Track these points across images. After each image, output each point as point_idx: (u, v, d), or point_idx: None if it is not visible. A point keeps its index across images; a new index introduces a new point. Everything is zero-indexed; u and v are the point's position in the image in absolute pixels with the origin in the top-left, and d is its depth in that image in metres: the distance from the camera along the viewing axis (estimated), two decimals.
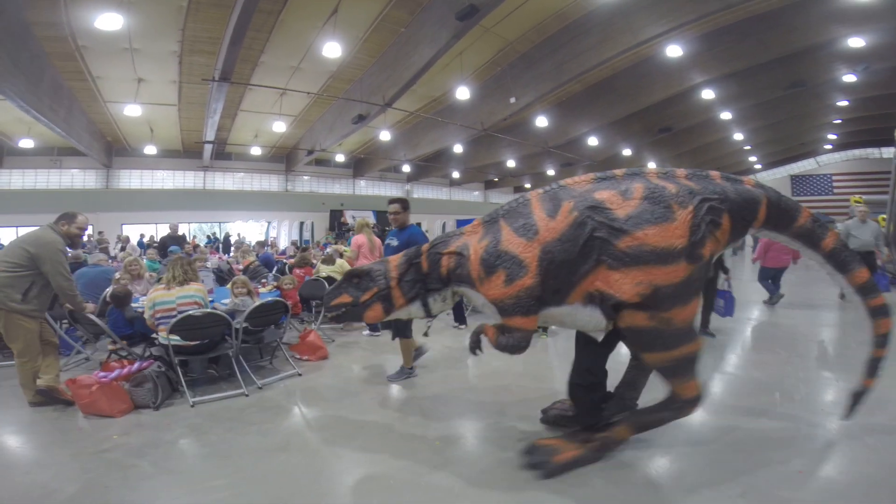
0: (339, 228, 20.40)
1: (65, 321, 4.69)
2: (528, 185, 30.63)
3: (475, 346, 2.85)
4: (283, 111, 13.50)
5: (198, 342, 3.70)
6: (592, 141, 17.41)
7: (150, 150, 16.58)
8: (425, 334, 3.68)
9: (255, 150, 17.52)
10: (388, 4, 8.20)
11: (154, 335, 3.84)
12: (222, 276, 7.08)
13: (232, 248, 15.16)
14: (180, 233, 11.11)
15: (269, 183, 21.25)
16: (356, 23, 8.63)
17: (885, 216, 11.50)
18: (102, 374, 3.42)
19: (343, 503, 2.42)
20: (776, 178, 27.87)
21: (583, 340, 2.88)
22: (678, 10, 8.42)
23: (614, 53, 9.87)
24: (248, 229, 21.51)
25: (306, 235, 20.97)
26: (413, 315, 2.98)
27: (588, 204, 2.46)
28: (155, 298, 3.76)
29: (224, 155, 19.13)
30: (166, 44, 9.24)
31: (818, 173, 26.88)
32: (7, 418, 3.40)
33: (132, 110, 12.04)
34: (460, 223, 22.02)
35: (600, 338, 2.74)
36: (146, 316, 3.73)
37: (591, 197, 2.49)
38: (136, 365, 3.52)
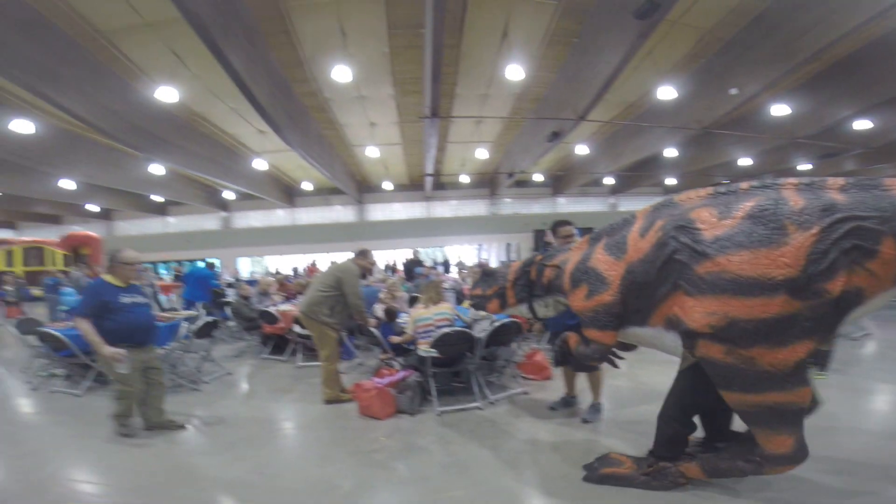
0: (544, 248, 20.69)
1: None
2: None
3: (562, 358, 3.10)
4: (483, 138, 14.70)
5: (448, 356, 4.21)
6: (861, 125, 13.45)
7: (387, 185, 20.26)
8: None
9: (464, 178, 19.44)
10: (553, 18, 8.25)
11: (413, 347, 4.49)
12: (459, 295, 8.12)
13: (455, 269, 17.26)
14: (418, 258, 13.08)
15: (477, 208, 23.16)
16: (528, 41, 8.89)
17: None
18: (378, 380, 4.18)
19: None
20: None
21: (691, 374, 2.52)
22: None
23: (860, 21, 7.61)
24: (463, 252, 23.76)
25: (513, 256, 21.96)
26: (523, 315, 3.36)
27: (677, 223, 2.30)
28: (417, 316, 4.39)
29: (439, 185, 21.82)
30: (384, 88, 11.02)
31: None
32: (307, 413, 4.21)
33: (371, 151, 14.90)
34: None
35: (681, 367, 2.54)
36: (408, 331, 4.46)
37: (685, 216, 2.30)
38: (401, 373, 4.24)
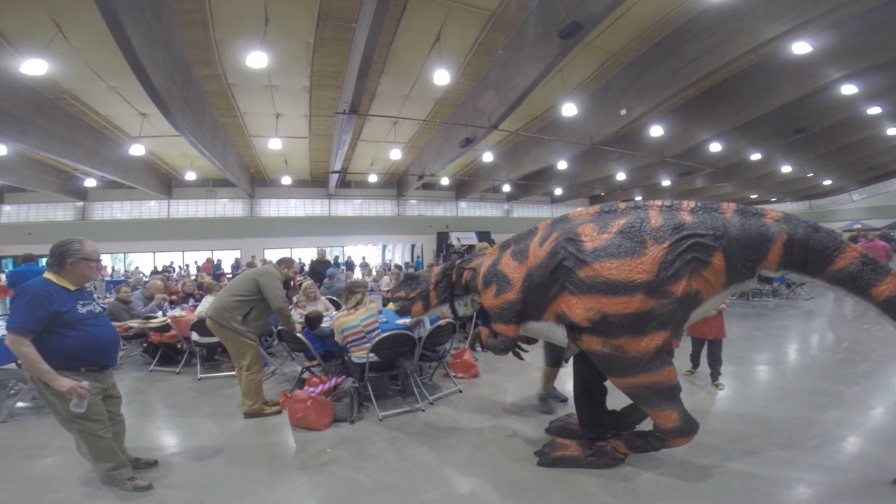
0: (446, 250, 21.19)
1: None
2: (638, 198, 29.04)
3: (474, 343, 3.48)
4: (398, 139, 14.63)
5: (386, 359, 4.08)
6: (714, 147, 16.11)
7: (286, 180, 19.04)
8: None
9: (373, 178, 19.13)
10: (484, 28, 8.61)
11: (345, 355, 4.23)
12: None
13: (366, 269, 16.77)
14: (326, 258, 12.37)
15: (384, 208, 22.94)
16: (457, 49, 9.15)
17: None
18: (311, 389, 3.87)
19: None
20: None
21: (580, 360, 3.04)
22: (801, 5, 7.63)
23: (735, 56, 9.16)
24: (367, 252, 23.33)
25: (417, 257, 22.15)
26: (444, 314, 3.61)
27: (567, 236, 2.78)
28: (343, 324, 4.06)
29: (344, 183, 21.16)
30: (299, 79, 10.45)
31: None
32: (230, 430, 3.75)
33: (274, 144, 13.87)
34: None
35: (566, 356, 3.10)
36: (337, 339, 4.15)
37: (574, 230, 2.79)
38: (333, 381, 3.98)
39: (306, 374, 4.68)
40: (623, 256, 2.54)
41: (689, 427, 2.59)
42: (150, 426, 3.93)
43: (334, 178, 18.45)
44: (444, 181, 20.40)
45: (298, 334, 4.33)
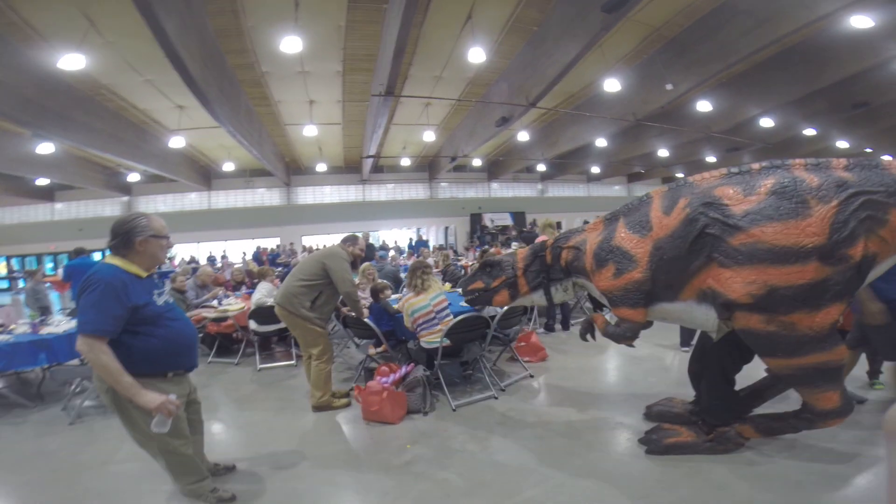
0: (480, 231, 20.94)
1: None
2: (679, 175, 27.77)
3: (586, 332, 3.05)
4: (430, 121, 14.38)
5: (458, 345, 3.88)
6: (766, 123, 15.09)
7: (321, 167, 19.15)
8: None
9: (405, 161, 18.96)
10: (518, 4, 8.21)
11: (406, 339, 4.07)
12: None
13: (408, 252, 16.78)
14: (370, 241, 12.34)
15: (416, 192, 22.82)
16: (491, 26, 8.78)
17: None
18: (383, 379, 3.67)
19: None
20: None
21: (720, 345, 2.71)
22: None
23: (788, 31, 8.43)
24: (399, 235, 23.40)
25: (451, 239, 22.02)
26: (536, 302, 3.27)
27: (704, 200, 2.39)
28: (413, 305, 3.89)
29: (377, 168, 21.11)
30: (331, 64, 10.31)
31: None
32: (301, 425, 3.57)
33: (309, 131, 13.87)
34: None
35: (716, 338, 2.62)
36: (406, 323, 3.97)
37: (709, 193, 2.40)
38: (403, 369, 3.78)
39: (372, 364, 4.51)
40: (786, 218, 2.20)
41: (848, 407, 2.35)
42: (220, 424, 3.87)
43: (368, 164, 18.41)
44: (477, 162, 20.03)
45: (366, 319, 4.13)
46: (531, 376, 4.37)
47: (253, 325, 5.37)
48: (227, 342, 6.05)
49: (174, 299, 2.50)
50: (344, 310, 4.30)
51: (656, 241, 2.52)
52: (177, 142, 13.61)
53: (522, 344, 4.91)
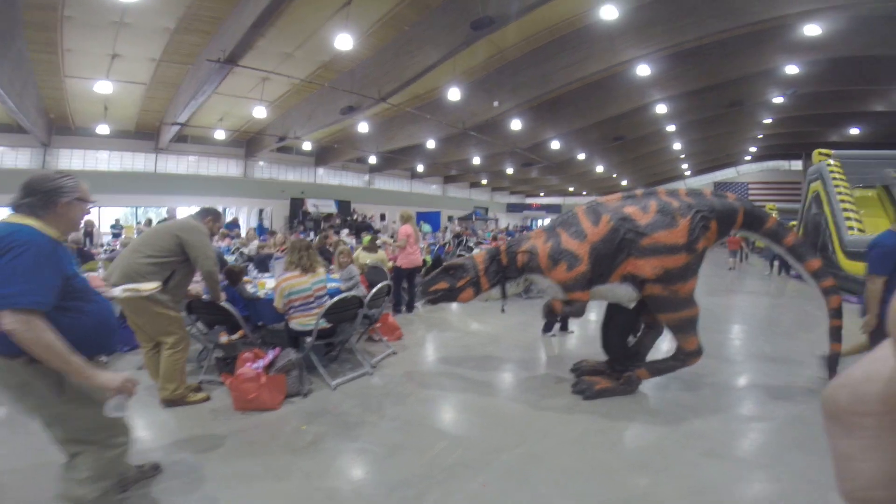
0: (302, 217, 19.95)
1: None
2: (484, 182, 31.63)
3: (548, 315, 3.94)
4: (263, 97, 13.15)
5: (333, 325, 3.85)
6: (555, 145, 18.50)
7: (103, 129, 15.38)
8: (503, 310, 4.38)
9: (220, 134, 16.76)
10: (400, 2, 8.44)
11: (284, 322, 3.85)
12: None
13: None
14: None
15: (227, 168, 20.34)
16: (366, 17, 8.78)
17: (794, 222, 13.55)
18: (253, 365, 3.38)
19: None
20: (702, 183, 30.93)
21: (616, 312, 3.89)
22: (658, 36, 9.46)
23: (596, 70, 10.85)
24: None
25: (266, 223, 20.34)
26: (493, 297, 3.93)
27: (620, 216, 3.55)
28: (292, 286, 3.73)
29: (179, 137, 18.06)
30: (161, 20, 8.82)
31: (737, 181, 30.14)
32: (164, 423, 3.17)
33: (102, 87, 11.21)
34: (421, 216, 22.42)
35: (632, 306, 3.80)
36: (277, 304, 3.73)
37: (622, 211, 3.58)
38: (270, 354, 3.53)
39: (220, 354, 4.12)
40: (669, 227, 3.40)
41: (701, 349, 3.56)
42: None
43: (171, 132, 15.66)
44: (306, 146, 19.03)
45: (225, 304, 3.70)
46: (394, 353, 4.69)
47: None
48: None
49: None
50: (191, 291, 3.76)
51: (593, 244, 3.52)
52: None
53: (379, 324, 5.09)
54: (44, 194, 1.84)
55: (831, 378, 3.32)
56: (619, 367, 3.82)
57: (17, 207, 1.83)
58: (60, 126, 16.30)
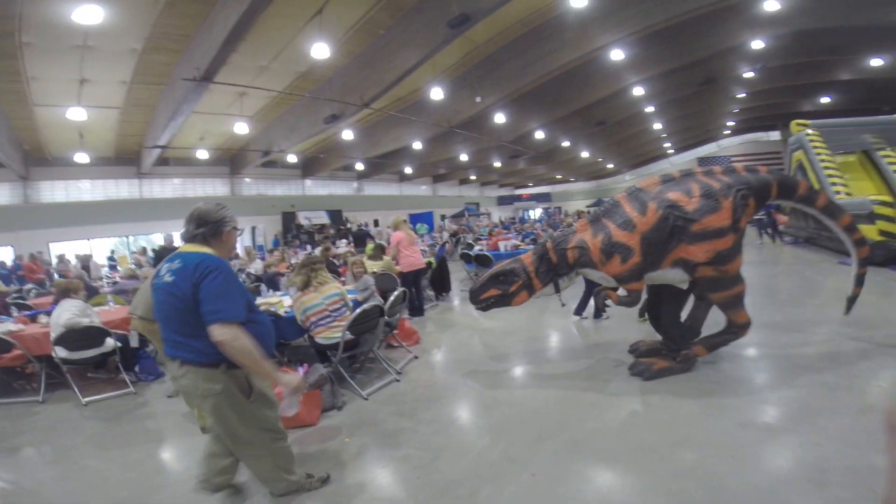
0: (296, 230, 19.77)
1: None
2: (473, 177, 31.63)
3: (602, 305, 4.06)
4: (242, 112, 13.04)
5: (356, 336, 3.84)
6: (539, 135, 18.55)
7: (81, 157, 15.13)
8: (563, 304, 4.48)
9: (202, 154, 16.59)
10: (373, 7, 8.40)
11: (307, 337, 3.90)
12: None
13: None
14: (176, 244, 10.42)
15: (214, 188, 20.14)
16: (341, 24, 8.71)
17: None
18: None
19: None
20: (686, 160, 31.17)
21: (662, 290, 3.92)
22: (628, 20, 9.53)
23: (572, 58, 10.89)
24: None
25: (259, 240, 20.19)
26: (546, 293, 3.99)
27: (667, 203, 3.56)
28: (305, 303, 3.79)
29: (161, 160, 17.84)
30: (128, 41, 8.67)
31: (719, 155, 30.34)
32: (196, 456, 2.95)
33: (75, 114, 11.02)
34: (413, 217, 22.33)
35: (685, 287, 3.86)
36: (299, 320, 3.80)
37: (666, 197, 3.59)
38: (300, 370, 3.51)
39: None
40: (715, 211, 3.46)
41: (750, 321, 3.65)
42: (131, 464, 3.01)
43: (152, 155, 15.45)
44: (292, 158, 18.88)
45: None
46: (416, 357, 4.69)
47: (62, 352, 4.26)
48: (10, 378, 4.72)
49: None
50: None
51: (643, 234, 3.54)
52: None
53: (397, 331, 5.19)
54: (213, 225, 2.17)
55: (847, 313, 3.58)
56: (677, 344, 3.84)
57: (191, 238, 2.17)
58: (37, 157, 16.01)
